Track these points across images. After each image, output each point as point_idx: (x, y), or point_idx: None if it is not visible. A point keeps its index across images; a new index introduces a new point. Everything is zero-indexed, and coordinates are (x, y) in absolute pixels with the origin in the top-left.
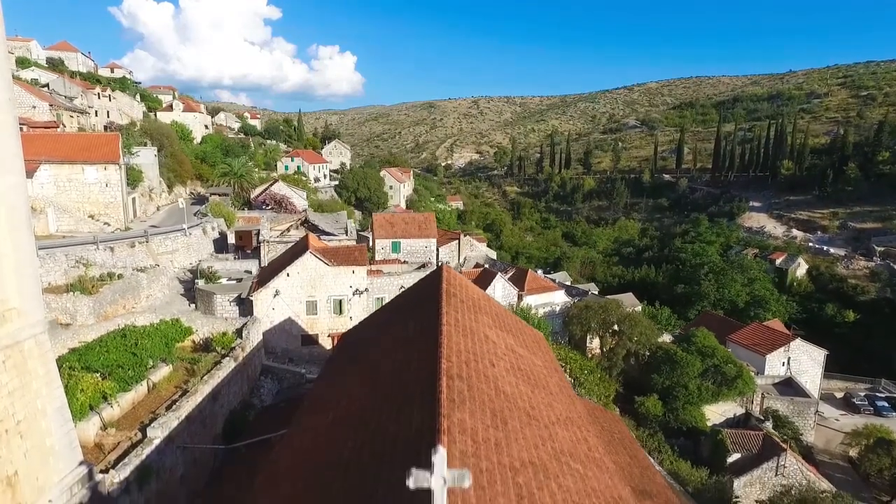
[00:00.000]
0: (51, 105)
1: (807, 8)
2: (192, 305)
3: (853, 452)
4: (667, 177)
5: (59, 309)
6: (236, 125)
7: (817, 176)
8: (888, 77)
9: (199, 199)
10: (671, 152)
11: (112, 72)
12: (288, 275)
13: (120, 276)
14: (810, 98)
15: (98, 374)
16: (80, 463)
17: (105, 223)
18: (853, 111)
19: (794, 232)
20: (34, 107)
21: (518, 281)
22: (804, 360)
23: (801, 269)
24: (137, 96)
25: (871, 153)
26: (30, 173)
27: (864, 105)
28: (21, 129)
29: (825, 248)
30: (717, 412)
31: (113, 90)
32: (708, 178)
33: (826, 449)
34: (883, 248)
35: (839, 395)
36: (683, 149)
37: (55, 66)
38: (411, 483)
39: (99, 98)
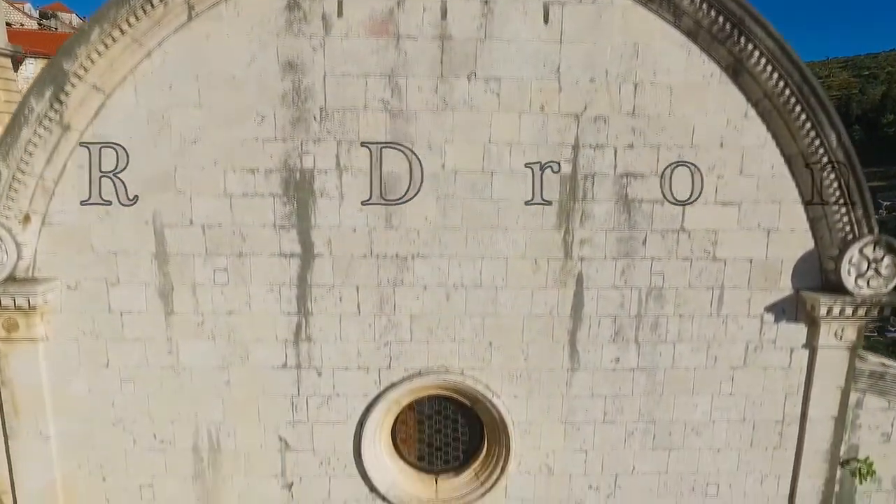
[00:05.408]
0: (40, 25)
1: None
2: None
3: None
4: None
5: None
6: None
7: None
8: (890, 58)
9: None
10: None
11: None
12: None
13: None
14: None
15: None
16: None
17: None
18: (855, 89)
19: None
20: (22, 24)
21: None
22: None
23: None
24: None
25: (875, 118)
26: (16, 65)
27: (867, 83)
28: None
29: None
30: None
31: None
32: None
33: None
34: (889, 203)
35: None
36: None
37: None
38: None
39: None
